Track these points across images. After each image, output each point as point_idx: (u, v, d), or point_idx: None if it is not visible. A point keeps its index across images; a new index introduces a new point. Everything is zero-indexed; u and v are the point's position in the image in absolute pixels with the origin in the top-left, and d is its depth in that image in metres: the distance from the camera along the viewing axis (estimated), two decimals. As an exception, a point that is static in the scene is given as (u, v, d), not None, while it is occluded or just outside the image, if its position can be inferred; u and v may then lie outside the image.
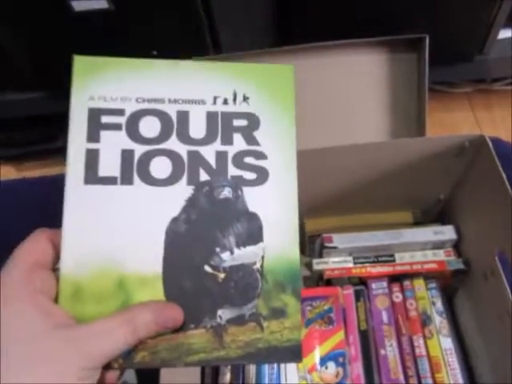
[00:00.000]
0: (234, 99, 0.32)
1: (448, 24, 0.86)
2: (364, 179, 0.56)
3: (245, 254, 0.31)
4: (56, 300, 0.29)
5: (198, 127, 0.31)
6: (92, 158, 0.30)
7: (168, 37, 0.80)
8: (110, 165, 0.30)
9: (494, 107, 1.12)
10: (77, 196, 0.30)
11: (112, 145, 0.30)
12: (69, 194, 0.30)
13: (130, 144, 0.30)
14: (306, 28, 0.82)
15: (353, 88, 0.61)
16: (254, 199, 0.31)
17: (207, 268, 0.30)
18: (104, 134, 0.30)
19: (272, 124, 0.32)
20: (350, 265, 0.56)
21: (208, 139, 0.31)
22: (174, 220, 0.30)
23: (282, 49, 0.58)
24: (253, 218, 0.31)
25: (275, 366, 0.50)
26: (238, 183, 0.31)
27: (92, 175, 0.30)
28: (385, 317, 0.54)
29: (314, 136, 0.55)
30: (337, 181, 0.56)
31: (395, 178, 0.55)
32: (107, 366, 0.27)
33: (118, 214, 0.30)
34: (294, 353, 0.30)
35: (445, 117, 1.11)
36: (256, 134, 0.32)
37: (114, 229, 0.30)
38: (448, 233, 0.57)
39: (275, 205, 0.31)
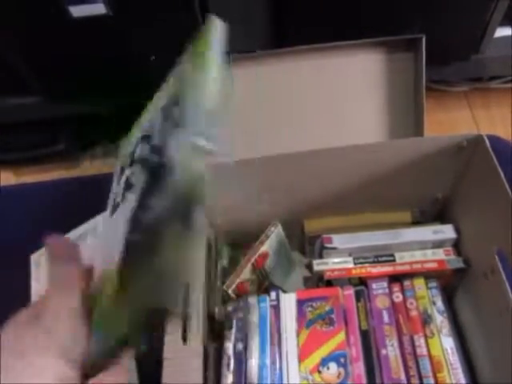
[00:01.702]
0: None
1: (445, 23, 0.86)
2: (362, 179, 0.56)
3: None
4: None
5: None
6: None
7: (166, 41, 0.80)
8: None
9: (492, 105, 1.12)
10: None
11: None
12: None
13: None
14: (302, 29, 0.82)
15: (351, 88, 0.61)
16: None
17: None
18: None
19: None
20: (350, 265, 0.56)
21: None
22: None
23: (282, 50, 0.58)
24: None
25: (277, 366, 0.50)
26: None
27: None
28: (385, 317, 0.54)
29: (312, 136, 0.55)
30: (336, 181, 0.56)
31: (393, 178, 0.55)
32: None
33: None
34: None
35: (442, 116, 1.11)
36: None
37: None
38: (447, 232, 0.57)
39: None
